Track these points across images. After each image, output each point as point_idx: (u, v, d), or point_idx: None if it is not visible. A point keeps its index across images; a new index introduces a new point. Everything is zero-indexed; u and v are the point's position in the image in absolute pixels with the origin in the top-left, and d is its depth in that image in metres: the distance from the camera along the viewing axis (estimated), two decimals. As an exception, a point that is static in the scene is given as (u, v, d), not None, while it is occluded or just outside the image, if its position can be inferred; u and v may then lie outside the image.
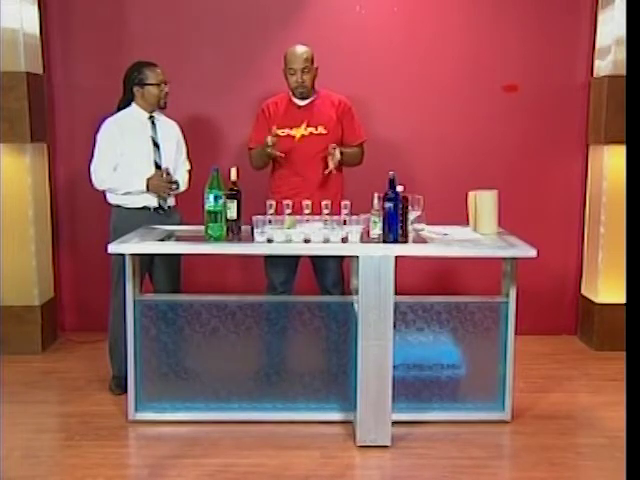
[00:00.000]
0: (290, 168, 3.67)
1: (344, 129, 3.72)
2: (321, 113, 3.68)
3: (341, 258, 3.72)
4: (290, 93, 3.69)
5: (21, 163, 4.21)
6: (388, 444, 3.15)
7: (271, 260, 3.69)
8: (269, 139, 3.51)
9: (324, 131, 3.65)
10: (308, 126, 3.64)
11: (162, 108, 3.70)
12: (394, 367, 3.16)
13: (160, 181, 3.60)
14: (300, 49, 3.61)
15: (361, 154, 3.81)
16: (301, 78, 3.59)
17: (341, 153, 3.59)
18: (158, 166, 3.66)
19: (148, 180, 3.60)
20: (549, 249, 4.34)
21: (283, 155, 3.57)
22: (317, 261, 3.72)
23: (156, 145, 3.67)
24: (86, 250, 4.60)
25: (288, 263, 3.68)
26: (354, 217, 3.24)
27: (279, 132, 3.64)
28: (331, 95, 3.75)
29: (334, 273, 3.72)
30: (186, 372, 3.43)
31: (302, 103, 3.68)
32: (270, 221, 3.26)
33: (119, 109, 3.70)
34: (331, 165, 3.56)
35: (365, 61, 4.48)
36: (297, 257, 3.69)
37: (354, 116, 3.76)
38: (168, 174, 3.63)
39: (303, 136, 3.64)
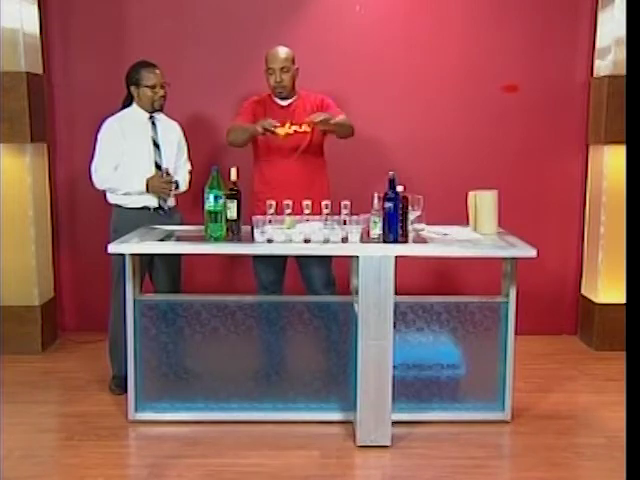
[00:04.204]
0: (274, 168, 3.68)
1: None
2: (303, 112, 3.68)
3: (328, 260, 3.71)
4: (271, 94, 3.71)
5: (21, 163, 4.21)
6: (388, 444, 3.15)
7: (260, 260, 3.70)
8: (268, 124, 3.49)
9: (308, 129, 3.63)
10: (292, 125, 3.63)
11: (157, 110, 3.69)
12: (394, 367, 3.16)
13: (160, 182, 3.60)
14: (279, 50, 3.65)
15: (349, 124, 3.71)
16: (280, 77, 3.61)
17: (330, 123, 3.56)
18: (159, 167, 3.66)
19: (148, 181, 3.60)
20: (549, 249, 4.35)
21: (275, 128, 3.52)
22: (302, 266, 3.71)
23: (157, 146, 3.67)
24: (86, 250, 4.61)
25: (276, 263, 3.69)
26: (354, 217, 3.24)
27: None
28: (310, 95, 3.77)
29: (322, 276, 3.70)
30: (186, 372, 3.43)
31: (284, 103, 3.71)
32: (270, 221, 3.26)
33: (123, 108, 3.71)
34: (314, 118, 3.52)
35: (365, 61, 4.48)
36: (284, 258, 3.71)
37: (334, 105, 3.73)
38: (168, 174, 3.63)
39: (287, 134, 3.63)
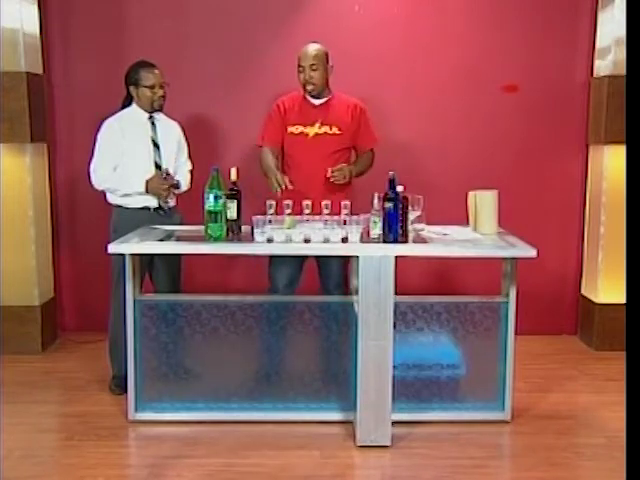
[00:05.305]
0: (300, 167, 3.64)
1: (358, 133, 3.72)
2: (336, 114, 3.67)
3: (344, 261, 3.71)
4: (303, 92, 3.69)
5: (21, 163, 4.21)
6: (388, 444, 3.15)
7: (275, 263, 3.67)
8: (280, 181, 3.49)
9: (338, 131, 3.65)
10: (322, 125, 3.64)
11: (156, 110, 3.68)
12: (394, 367, 3.16)
13: (159, 183, 3.59)
14: (311, 47, 3.62)
15: (372, 159, 3.82)
16: (309, 75, 3.59)
17: (352, 171, 3.64)
18: (158, 167, 3.66)
19: (147, 182, 3.59)
20: (549, 249, 4.35)
21: (290, 188, 3.51)
22: (321, 264, 3.71)
23: (156, 146, 3.67)
24: (86, 250, 4.61)
25: (293, 266, 3.64)
26: (354, 217, 3.24)
27: (292, 129, 3.65)
28: (346, 98, 3.75)
29: (337, 276, 3.71)
30: (186, 372, 3.43)
31: (317, 102, 3.68)
32: (270, 221, 3.26)
33: (122, 108, 3.70)
34: (336, 175, 3.55)
35: (365, 61, 4.48)
36: (302, 260, 3.68)
37: (368, 120, 3.76)
38: (168, 175, 3.62)
39: (317, 134, 3.64)
